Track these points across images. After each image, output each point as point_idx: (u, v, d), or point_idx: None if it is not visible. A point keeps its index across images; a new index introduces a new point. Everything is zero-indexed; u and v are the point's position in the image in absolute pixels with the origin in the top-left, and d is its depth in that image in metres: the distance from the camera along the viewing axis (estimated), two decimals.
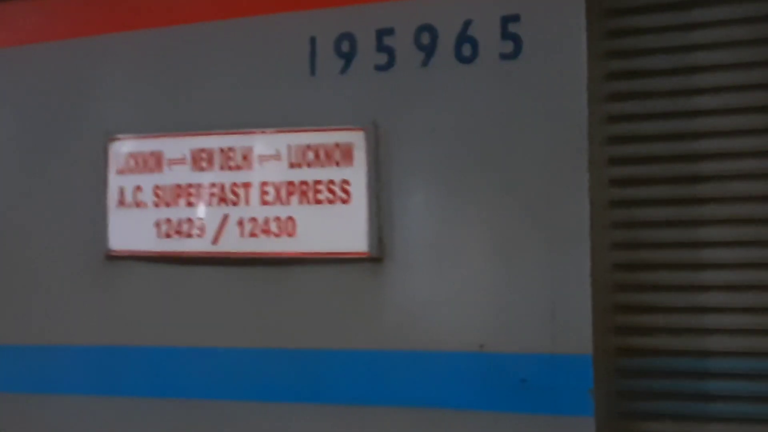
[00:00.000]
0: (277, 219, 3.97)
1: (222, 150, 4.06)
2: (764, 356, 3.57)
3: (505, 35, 3.68)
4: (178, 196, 4.13)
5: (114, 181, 4.24)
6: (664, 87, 3.67)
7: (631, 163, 3.69)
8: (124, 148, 4.25)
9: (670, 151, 3.65)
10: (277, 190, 3.96)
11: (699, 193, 3.64)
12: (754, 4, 3.61)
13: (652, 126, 3.68)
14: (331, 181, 3.87)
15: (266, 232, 3.98)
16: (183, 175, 4.14)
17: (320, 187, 3.90)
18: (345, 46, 3.91)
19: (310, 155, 3.92)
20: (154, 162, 4.18)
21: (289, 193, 3.93)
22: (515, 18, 3.67)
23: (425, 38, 3.80)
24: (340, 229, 3.88)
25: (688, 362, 3.63)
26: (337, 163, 3.89)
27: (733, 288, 3.60)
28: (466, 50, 3.73)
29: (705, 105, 3.63)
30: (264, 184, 3.99)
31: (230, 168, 4.06)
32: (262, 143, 4.00)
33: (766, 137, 3.57)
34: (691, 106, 3.64)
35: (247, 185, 4.01)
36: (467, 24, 3.72)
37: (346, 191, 3.86)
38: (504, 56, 3.68)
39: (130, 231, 4.23)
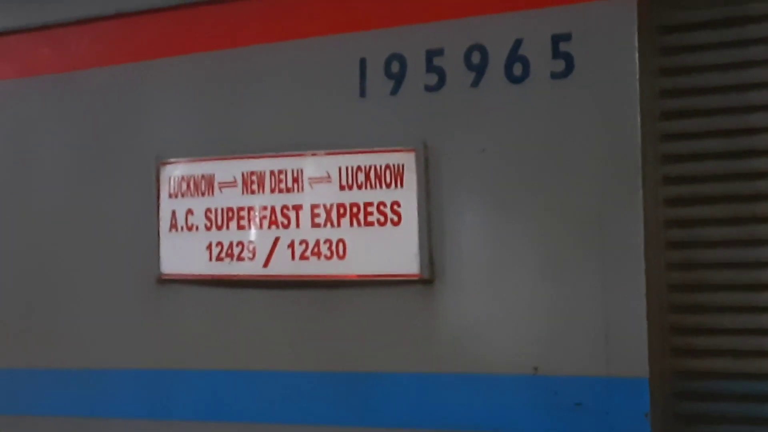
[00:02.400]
0: (328, 241, 4.03)
1: (272, 173, 4.13)
2: None
3: (557, 54, 3.72)
4: (230, 219, 4.21)
5: (165, 205, 4.34)
6: (719, 104, 3.66)
7: (686, 182, 3.69)
8: (175, 171, 4.34)
9: (726, 169, 3.64)
10: (328, 213, 4.02)
11: (757, 211, 3.62)
12: None
13: (708, 144, 3.67)
14: (382, 203, 3.92)
15: (317, 254, 4.04)
16: (234, 198, 4.21)
17: (371, 208, 3.94)
18: (395, 67, 3.97)
19: (361, 177, 3.97)
20: (206, 185, 4.26)
21: (340, 215, 3.98)
22: (566, 37, 3.70)
23: (475, 58, 3.84)
24: (391, 251, 3.93)
25: (747, 385, 3.61)
26: (388, 185, 3.93)
27: None
28: (517, 69, 3.77)
29: (761, 122, 3.61)
30: (314, 206, 4.05)
31: (281, 190, 4.13)
32: (312, 165, 4.06)
33: None
34: (746, 124, 3.62)
35: (297, 208, 4.07)
36: (518, 43, 3.76)
37: (396, 213, 3.91)
38: (555, 75, 3.70)
39: (181, 254, 4.33)
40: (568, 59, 3.71)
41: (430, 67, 3.94)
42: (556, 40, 3.73)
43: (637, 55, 3.62)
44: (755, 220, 3.60)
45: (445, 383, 3.88)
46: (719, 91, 3.65)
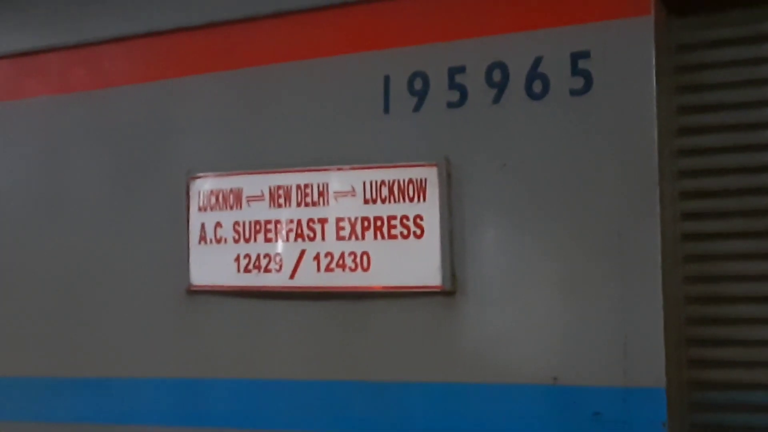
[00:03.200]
0: (353, 254, 4.08)
1: (299, 186, 4.20)
2: None
3: (575, 71, 3.77)
4: (257, 231, 4.27)
5: (195, 218, 4.41)
6: (735, 120, 3.72)
7: (703, 197, 3.75)
8: (204, 185, 4.42)
9: (743, 184, 3.69)
10: (353, 226, 4.07)
11: None
12: None
13: (724, 159, 3.72)
14: (405, 216, 3.98)
15: (342, 266, 4.09)
16: (261, 211, 4.27)
17: (394, 222, 4.00)
18: (418, 84, 4.02)
19: (385, 191, 4.03)
20: (234, 199, 4.33)
21: (364, 229, 4.04)
22: (585, 54, 3.75)
23: (496, 75, 3.89)
24: (414, 263, 3.97)
25: (763, 396, 3.64)
26: (411, 199, 3.98)
27: None
28: (537, 87, 3.82)
29: None
30: (339, 219, 4.10)
31: (307, 204, 4.19)
32: (337, 180, 4.13)
33: None
34: (763, 139, 3.68)
35: (323, 221, 4.13)
36: (538, 61, 3.82)
37: (419, 226, 3.95)
38: (574, 92, 3.76)
39: (210, 266, 4.38)
40: (587, 77, 3.75)
41: (452, 85, 3.99)
42: (575, 57, 3.78)
43: (654, 72, 3.66)
44: None
45: (467, 392, 3.92)
46: (735, 107, 3.74)
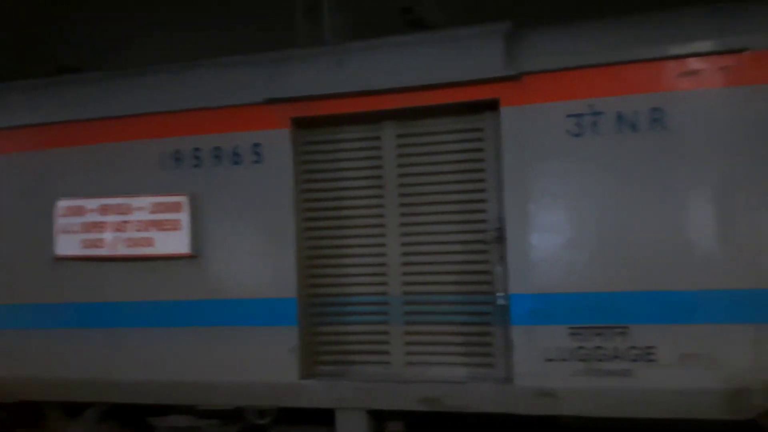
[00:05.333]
0: (144, 238, 4.47)
1: (117, 205, 4.57)
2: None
3: (254, 152, 4.44)
4: (93, 227, 4.63)
5: (59, 221, 4.66)
6: (329, 177, 4.46)
7: (313, 212, 4.45)
8: (63, 204, 4.72)
9: (324, 209, 4.48)
10: (145, 224, 4.52)
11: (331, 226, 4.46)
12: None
13: (320, 195, 4.47)
14: (171, 220, 4.47)
15: (140, 245, 4.47)
16: (96, 217, 4.58)
17: (166, 222, 4.49)
18: (177, 155, 4.58)
19: (162, 207, 4.50)
20: (80, 211, 4.66)
21: (151, 225, 4.50)
22: (259, 144, 4.44)
23: (216, 152, 4.51)
24: (177, 242, 4.46)
25: (339, 299, 4.36)
26: (175, 211, 4.45)
27: None
28: (237, 159, 4.48)
29: (350, 195, 4.40)
30: (138, 221, 4.53)
31: (121, 213, 4.52)
32: (137, 201, 4.58)
33: None
34: (342, 196, 4.40)
35: (129, 222, 4.54)
36: (237, 147, 4.49)
37: (178, 224, 4.48)
38: (254, 162, 4.44)
39: (66, 245, 4.66)
40: (260, 154, 4.42)
41: (195, 156, 4.52)
42: (255, 146, 4.43)
43: (291, 154, 4.40)
44: (332, 229, 4.48)
45: (205, 304, 4.38)
46: (327, 171, 4.43)
